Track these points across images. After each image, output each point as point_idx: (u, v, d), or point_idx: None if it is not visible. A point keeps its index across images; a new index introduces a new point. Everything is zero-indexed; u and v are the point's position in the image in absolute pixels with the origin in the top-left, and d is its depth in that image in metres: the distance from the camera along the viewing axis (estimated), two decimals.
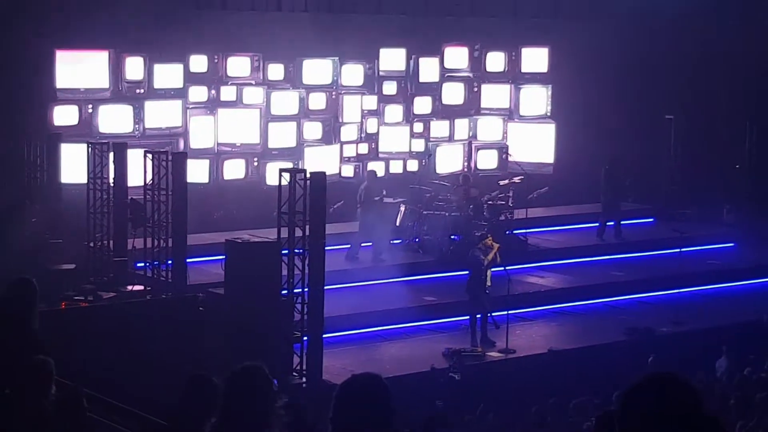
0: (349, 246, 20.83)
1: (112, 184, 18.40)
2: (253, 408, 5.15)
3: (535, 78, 25.33)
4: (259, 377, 5.27)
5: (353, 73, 23.73)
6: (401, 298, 19.50)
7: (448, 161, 24.75)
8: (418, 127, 24.51)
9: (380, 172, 23.72)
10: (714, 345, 17.51)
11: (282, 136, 22.92)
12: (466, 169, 24.53)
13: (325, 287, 16.18)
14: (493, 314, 17.68)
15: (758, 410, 13.17)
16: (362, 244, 20.97)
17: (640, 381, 3.81)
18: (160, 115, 21.75)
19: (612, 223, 23.29)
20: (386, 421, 4.63)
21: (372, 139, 24.01)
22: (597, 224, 23.42)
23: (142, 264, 17.80)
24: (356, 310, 18.57)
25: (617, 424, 3.79)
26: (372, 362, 16.98)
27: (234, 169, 22.52)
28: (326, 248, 16.29)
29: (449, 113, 24.93)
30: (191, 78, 22.20)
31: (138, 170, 18.03)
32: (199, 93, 22.32)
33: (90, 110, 21.13)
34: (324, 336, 16.24)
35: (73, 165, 19.38)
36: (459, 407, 15.01)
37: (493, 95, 25.35)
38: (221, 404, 5.24)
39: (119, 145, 18.68)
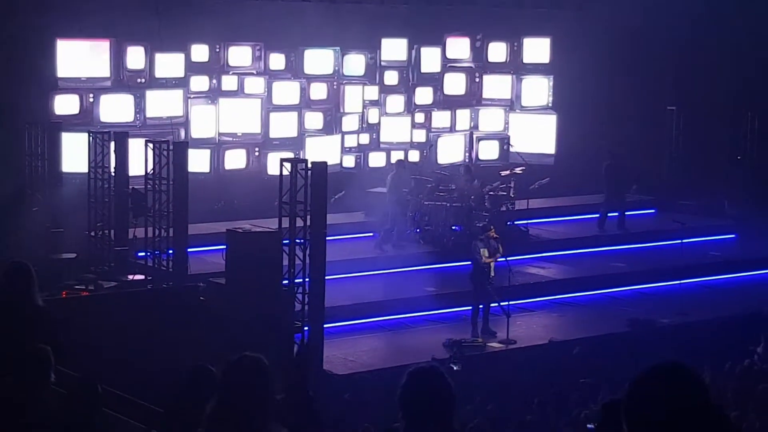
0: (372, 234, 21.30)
1: (113, 174, 18.40)
2: (250, 396, 5.17)
3: (536, 68, 25.30)
4: (257, 367, 5.28)
5: (355, 63, 23.70)
6: (402, 288, 19.51)
7: (450, 152, 24.73)
8: (420, 117, 24.49)
9: (381, 162, 23.79)
10: (716, 336, 17.49)
11: (283, 125, 22.90)
12: (467, 160, 24.52)
13: (326, 277, 16.18)
14: (501, 303, 17.65)
15: (758, 402, 13.15)
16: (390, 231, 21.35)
17: (647, 371, 3.81)
18: (161, 104, 21.72)
19: (616, 213, 23.27)
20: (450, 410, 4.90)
21: (373, 129, 24.00)
22: (598, 215, 23.42)
23: (143, 253, 17.79)
24: (357, 300, 18.58)
25: (624, 413, 3.79)
26: (372, 352, 17.01)
27: (235, 159, 22.50)
28: (327, 238, 16.29)
29: (451, 104, 24.91)
30: (192, 67, 22.18)
31: (139, 160, 18.01)
32: (200, 82, 22.30)
33: (91, 99, 21.11)
34: (325, 326, 16.25)
35: (74, 154, 19.36)
36: (459, 398, 14.98)
37: (495, 86, 25.33)
38: (219, 390, 5.26)
39: (120, 135, 18.67)
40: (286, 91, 22.98)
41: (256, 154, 22.64)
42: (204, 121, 22.30)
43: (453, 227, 21.41)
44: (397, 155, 23.37)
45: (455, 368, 16.16)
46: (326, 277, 16.19)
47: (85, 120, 20.79)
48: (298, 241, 16.05)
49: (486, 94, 25.31)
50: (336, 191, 21.18)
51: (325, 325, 16.30)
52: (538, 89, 25.37)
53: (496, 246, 17.82)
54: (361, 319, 18.25)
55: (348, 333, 17.81)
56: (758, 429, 12.48)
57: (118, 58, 21.39)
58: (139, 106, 21.49)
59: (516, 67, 25.33)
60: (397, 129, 24.19)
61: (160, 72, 21.75)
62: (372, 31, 23.51)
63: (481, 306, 17.91)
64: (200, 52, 22.25)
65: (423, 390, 4.90)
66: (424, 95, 24.56)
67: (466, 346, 17.11)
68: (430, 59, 24.62)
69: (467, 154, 24.98)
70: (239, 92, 22.62)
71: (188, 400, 6.55)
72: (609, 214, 23.30)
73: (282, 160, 16.60)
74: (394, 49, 24.20)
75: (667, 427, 3.70)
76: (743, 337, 17.00)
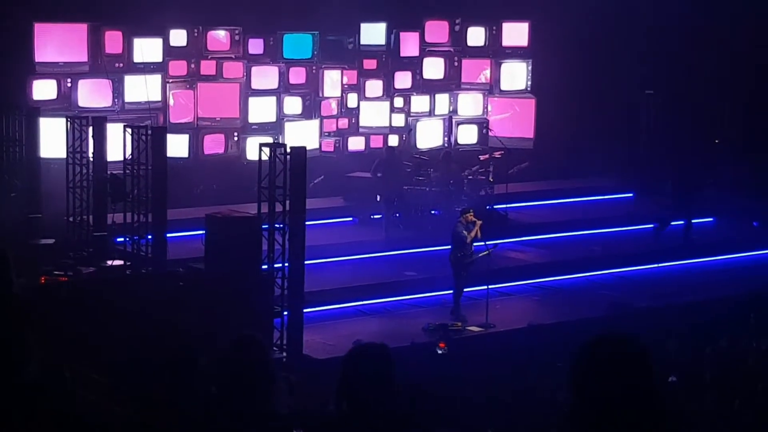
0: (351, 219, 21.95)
1: (91, 159, 18.34)
2: (253, 379, 5.13)
3: (515, 52, 25.31)
4: (256, 348, 5.25)
5: (334, 48, 23.66)
6: (381, 273, 19.54)
7: (429, 136, 24.74)
8: (399, 101, 24.48)
9: (361, 147, 23.82)
10: (694, 318, 17.56)
11: (262, 110, 22.87)
12: (447, 146, 24.53)
13: (305, 262, 16.20)
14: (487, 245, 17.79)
15: (740, 385, 13.25)
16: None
17: (596, 338, 3.91)
18: (140, 89, 21.63)
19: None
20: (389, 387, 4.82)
21: (352, 113, 23.98)
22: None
23: (122, 239, 17.78)
24: (336, 285, 18.59)
25: (569, 379, 3.89)
26: (352, 337, 16.94)
27: (214, 144, 22.46)
28: (306, 223, 16.30)
29: (429, 88, 24.90)
30: (171, 52, 22.11)
31: (117, 145, 17.97)
32: (179, 67, 22.23)
33: (69, 84, 21.02)
34: (304, 311, 16.26)
35: (52, 139, 19.31)
36: (441, 381, 15.03)
37: (474, 70, 25.32)
38: (218, 375, 5.23)
39: (98, 120, 18.61)
40: (265, 76, 22.94)
41: (235, 138, 22.60)
42: (183, 106, 22.24)
43: (432, 211, 21.44)
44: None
45: (440, 352, 16.18)
46: (305, 262, 16.20)
47: (63, 105, 20.72)
48: (277, 225, 16.05)
49: (465, 78, 25.31)
50: (315, 176, 21.17)
51: (305, 310, 16.32)
52: (517, 73, 25.39)
53: (475, 229, 17.87)
54: (341, 304, 18.26)
55: (327, 318, 17.82)
56: (737, 410, 12.61)
57: (95, 42, 21.30)
58: (118, 91, 21.41)
59: (495, 51, 25.32)
60: (376, 113, 24.18)
61: (138, 56, 21.66)
62: (351, 16, 23.45)
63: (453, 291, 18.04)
64: (179, 37, 22.19)
65: (363, 370, 4.83)
66: (402, 79, 24.54)
67: (450, 330, 17.18)
68: (409, 43, 24.59)
69: (446, 139, 25.00)
70: (218, 77, 22.57)
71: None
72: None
73: (261, 145, 16.58)
74: (373, 33, 24.17)
75: (606, 394, 3.79)
76: (721, 319, 17.10)
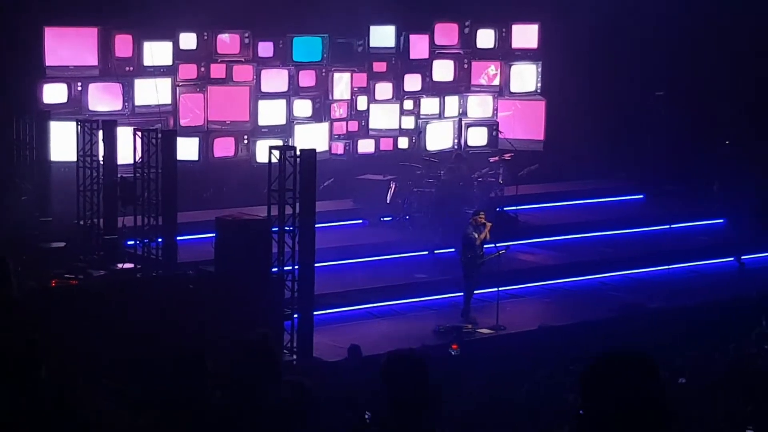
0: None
1: (101, 162, 18.38)
2: (259, 381, 5.18)
3: (525, 55, 25.29)
4: (263, 350, 5.29)
5: (343, 50, 23.66)
6: (391, 275, 19.53)
7: (439, 138, 24.72)
8: (408, 104, 24.47)
9: (371, 149, 23.80)
10: (704, 320, 17.54)
11: (272, 113, 22.88)
12: (457, 148, 24.51)
13: (315, 264, 16.20)
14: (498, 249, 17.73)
15: (752, 387, 13.22)
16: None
17: (603, 358, 3.91)
18: (150, 92, 21.66)
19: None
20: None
21: (362, 116, 23.98)
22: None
23: (133, 242, 17.79)
24: (346, 287, 18.59)
25: (582, 400, 3.89)
26: (362, 339, 16.97)
27: (224, 147, 22.47)
28: (316, 225, 16.30)
29: (439, 90, 24.89)
30: (181, 55, 22.13)
31: (128, 148, 18.00)
32: (189, 70, 22.26)
33: (79, 88, 21.07)
34: (314, 313, 16.27)
35: (62, 143, 19.35)
36: (452, 383, 15.01)
37: (483, 72, 25.30)
38: (229, 376, 5.27)
39: (109, 123, 18.64)
40: (275, 79, 22.95)
41: (245, 141, 22.62)
42: (192, 109, 22.26)
43: None
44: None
45: (453, 353, 16.17)
46: (315, 265, 16.20)
47: (73, 109, 20.77)
48: (287, 228, 16.06)
49: (474, 81, 25.29)
50: (325, 178, 21.17)
51: (315, 313, 16.32)
52: (527, 75, 25.36)
53: (485, 231, 17.88)
54: (351, 306, 18.26)
55: (338, 320, 17.83)
56: (749, 412, 12.57)
57: (105, 46, 21.33)
58: (128, 95, 21.45)
59: (504, 53, 25.30)
60: (385, 116, 24.17)
61: (148, 60, 21.69)
62: (360, 18, 23.46)
63: (463, 293, 18.03)
64: (188, 40, 22.21)
65: (403, 374, 4.95)
66: (412, 82, 24.53)
67: (465, 332, 17.18)
68: (418, 46, 24.58)
69: (456, 141, 24.98)
70: (228, 80, 22.59)
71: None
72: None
73: (271, 148, 16.59)
74: (383, 36, 24.16)
75: (616, 413, 3.80)
76: (732, 321, 17.06)
